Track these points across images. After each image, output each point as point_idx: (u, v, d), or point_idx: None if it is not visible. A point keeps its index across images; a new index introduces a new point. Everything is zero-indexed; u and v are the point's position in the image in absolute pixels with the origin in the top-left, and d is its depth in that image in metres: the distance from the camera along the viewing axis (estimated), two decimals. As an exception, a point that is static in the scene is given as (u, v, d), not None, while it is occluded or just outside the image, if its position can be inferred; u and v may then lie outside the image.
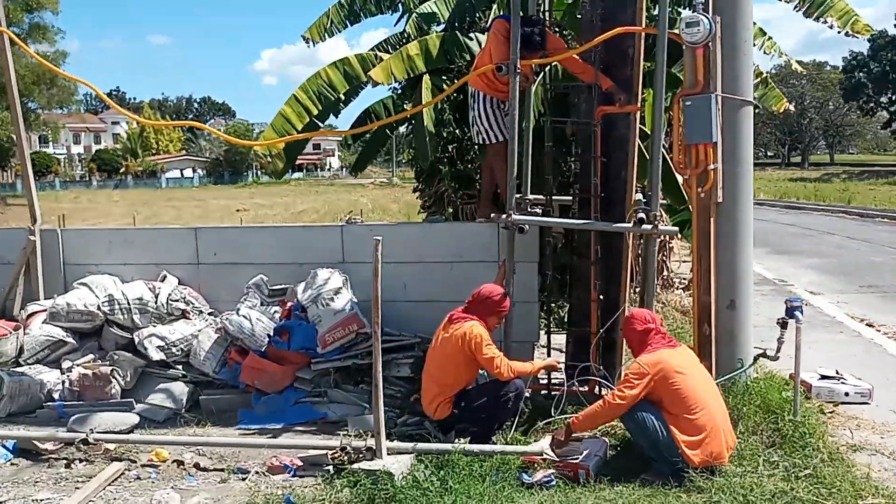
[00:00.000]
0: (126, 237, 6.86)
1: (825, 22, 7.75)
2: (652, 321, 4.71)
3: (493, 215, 6.16)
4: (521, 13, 5.53)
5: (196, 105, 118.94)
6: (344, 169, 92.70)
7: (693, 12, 5.07)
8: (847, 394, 5.86)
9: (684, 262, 11.69)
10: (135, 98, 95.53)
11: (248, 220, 28.77)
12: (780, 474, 4.29)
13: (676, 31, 5.18)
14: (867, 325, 8.65)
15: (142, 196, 52.75)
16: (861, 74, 61.38)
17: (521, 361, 5.13)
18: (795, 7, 7.70)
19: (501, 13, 7.45)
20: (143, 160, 71.15)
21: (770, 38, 8.76)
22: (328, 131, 11.90)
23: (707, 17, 5.03)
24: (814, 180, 51.43)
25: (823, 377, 6.08)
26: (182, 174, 74.67)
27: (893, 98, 60.93)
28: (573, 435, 4.84)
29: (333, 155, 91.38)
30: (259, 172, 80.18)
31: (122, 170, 69.66)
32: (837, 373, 6.18)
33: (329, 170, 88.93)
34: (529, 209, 5.80)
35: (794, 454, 4.55)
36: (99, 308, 6.31)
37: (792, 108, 9.76)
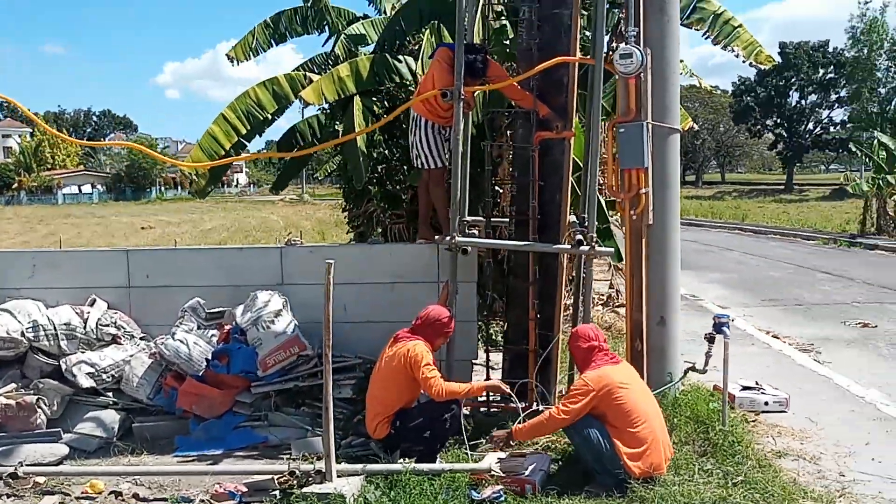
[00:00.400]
0: (51, 260, 6.57)
1: (732, 51, 8.25)
2: (596, 338, 4.91)
3: (436, 237, 6.28)
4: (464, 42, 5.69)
5: (95, 118, 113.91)
6: (252, 185, 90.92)
7: (626, 45, 5.36)
8: (767, 403, 6.25)
9: (598, 280, 12.09)
10: (28, 109, 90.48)
11: (154, 238, 27.86)
12: (716, 482, 4.56)
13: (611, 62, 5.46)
14: (774, 336, 9.21)
15: (37, 213, 50.09)
16: (749, 98, 64.99)
17: (458, 382, 5.22)
18: (705, 35, 8.17)
19: (443, 42, 7.64)
20: (38, 175, 67.50)
21: (681, 59, 9.28)
22: (263, 154, 11.77)
23: (639, 50, 5.34)
24: (708, 198, 53.99)
25: (744, 388, 6.46)
26: (80, 190, 71.33)
27: (778, 121, 64.75)
28: (518, 450, 4.99)
29: (241, 171, 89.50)
30: (163, 189, 77.63)
31: (15, 185, 65.91)
32: (756, 384, 6.57)
33: (236, 186, 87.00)
34: (468, 231, 5.95)
35: (726, 462, 4.83)
36: (22, 334, 6.02)
37: (696, 126, 10.34)
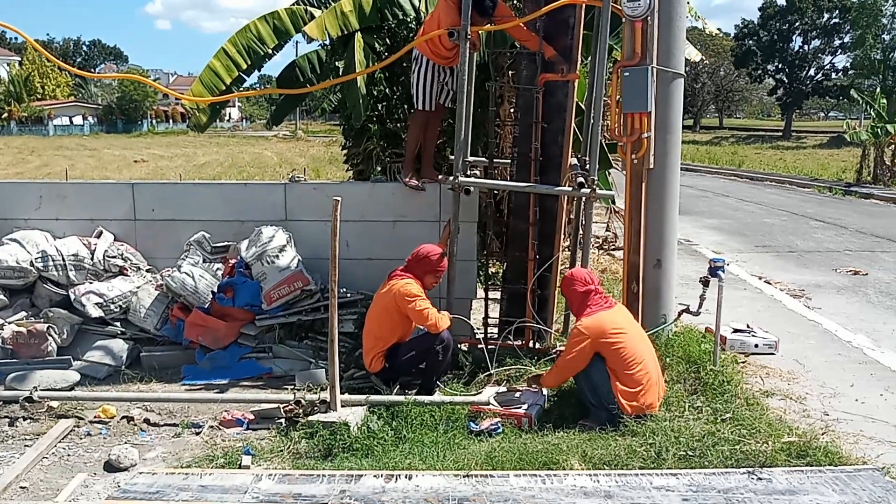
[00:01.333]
0: (58, 191, 6.62)
1: None
2: (592, 282, 5.02)
3: (440, 177, 6.34)
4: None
5: (85, 48, 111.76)
6: (244, 120, 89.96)
7: (634, -13, 5.34)
8: (757, 345, 6.44)
9: (594, 223, 12.21)
10: (15, 38, 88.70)
11: (147, 172, 27.74)
12: (705, 418, 4.74)
13: (618, 4, 5.45)
14: (766, 282, 9.39)
15: (28, 144, 49.53)
16: (751, 42, 64.10)
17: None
18: None
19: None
20: (28, 105, 66.41)
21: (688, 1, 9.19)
22: (266, 90, 11.71)
23: (647, -7, 5.31)
24: (705, 143, 53.82)
25: (735, 330, 6.64)
26: (71, 121, 70.31)
27: (779, 66, 64.02)
28: (512, 387, 5.23)
29: (234, 105, 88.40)
30: (154, 122, 76.71)
31: (5, 115, 64.89)
32: (748, 326, 6.75)
33: (229, 120, 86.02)
34: (470, 171, 6.02)
35: (716, 400, 5.01)
36: (32, 264, 6.13)
37: (705, 59, 10.25)
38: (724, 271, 5.50)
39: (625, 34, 5.62)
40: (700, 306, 5.73)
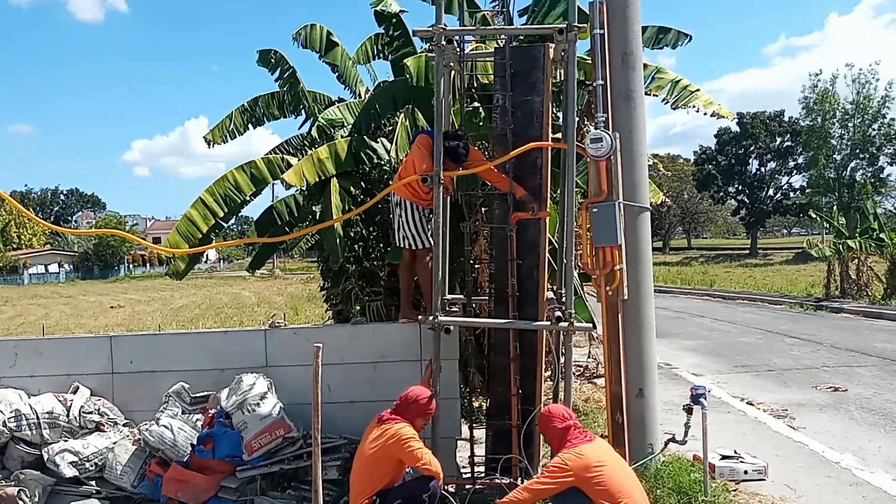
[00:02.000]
0: (34, 347, 6.56)
1: (694, 107, 8.42)
2: (570, 417, 4.98)
3: (419, 317, 6.41)
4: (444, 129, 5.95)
5: (62, 197, 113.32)
6: (222, 260, 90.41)
7: (596, 129, 5.66)
8: (746, 472, 6.35)
9: (575, 348, 12.23)
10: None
11: (124, 318, 27.54)
12: (703, 553, 4.64)
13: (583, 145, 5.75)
14: (748, 403, 9.37)
15: (2, 293, 49.27)
16: (710, 167, 66.94)
17: None
18: (664, 100, 8.48)
19: (421, 128, 7.94)
20: (3, 255, 66.60)
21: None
22: (244, 240, 11.98)
23: (608, 134, 5.63)
24: (675, 264, 55.02)
25: (724, 457, 6.57)
26: (47, 269, 70.39)
27: (740, 188, 66.62)
28: None
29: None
30: (131, 266, 76.91)
31: (-20, 266, 65.02)
32: (735, 452, 6.69)
33: (206, 262, 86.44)
34: (448, 308, 6.11)
35: (711, 532, 4.92)
36: (4, 424, 5.98)
37: (669, 201, 10.64)
38: (706, 398, 5.53)
39: (590, 172, 5.90)
40: (686, 434, 5.71)
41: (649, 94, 8.47)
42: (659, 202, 9.65)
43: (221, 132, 10.48)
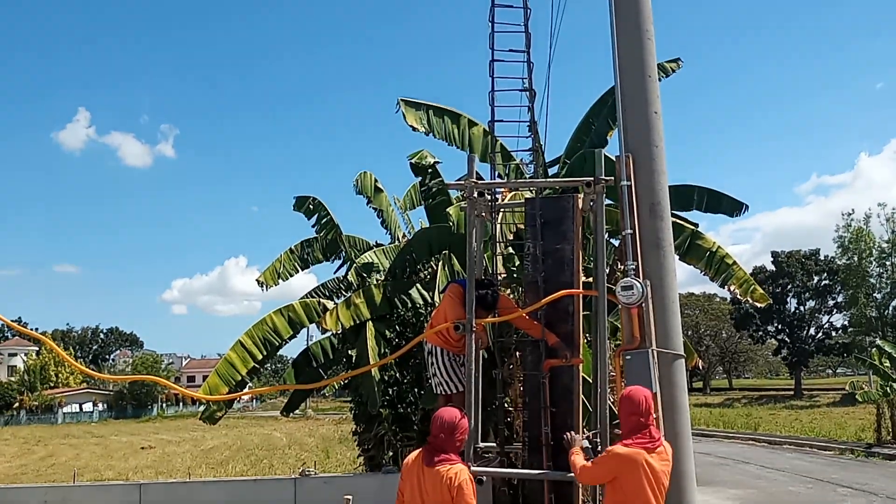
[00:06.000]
0: (64, 495, 6.53)
1: (729, 289, 8.60)
2: (639, 411, 4.77)
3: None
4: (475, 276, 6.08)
5: (102, 335, 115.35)
6: (254, 400, 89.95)
7: (627, 277, 5.74)
8: None
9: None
10: (37, 328, 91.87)
11: (154, 459, 27.27)
12: None
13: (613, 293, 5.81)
14: (801, 561, 8.84)
15: (35, 433, 49.29)
16: (747, 306, 66.19)
17: None
18: (703, 273, 8.58)
19: (454, 277, 8.13)
20: (40, 394, 67.23)
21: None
22: (279, 387, 12.08)
23: (639, 282, 5.69)
24: (717, 405, 53.34)
25: None
26: (81, 408, 70.70)
27: (779, 327, 65.40)
28: None
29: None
30: (164, 405, 76.90)
31: (16, 405, 65.40)
32: None
33: (239, 401, 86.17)
34: (481, 457, 6.00)
35: None
36: (29, 576, 5.87)
37: (702, 363, 10.52)
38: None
39: (623, 320, 5.91)
40: None
41: (688, 264, 8.55)
42: (693, 364, 9.57)
43: (273, 275, 10.85)
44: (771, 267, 64.44)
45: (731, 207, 9.52)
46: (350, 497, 4.59)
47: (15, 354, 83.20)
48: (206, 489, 6.61)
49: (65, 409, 67.91)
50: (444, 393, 6.43)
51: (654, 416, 5.62)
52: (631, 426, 4.84)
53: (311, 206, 10.91)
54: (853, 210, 51.03)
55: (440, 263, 8.69)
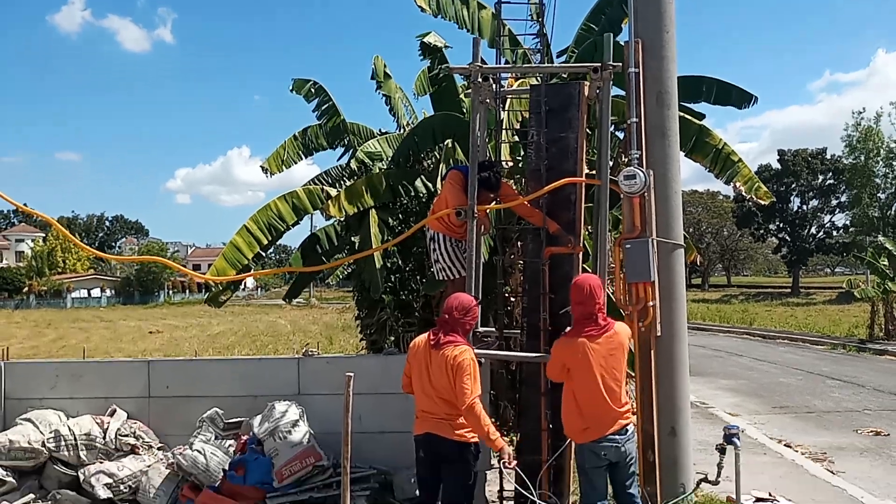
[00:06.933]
0: (74, 370, 6.74)
1: (734, 186, 8.49)
2: (582, 300, 4.82)
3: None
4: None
5: (108, 223, 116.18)
6: (259, 288, 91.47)
7: (630, 166, 5.69)
8: (781, 515, 6.22)
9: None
10: (44, 214, 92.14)
11: (162, 343, 27.98)
12: None
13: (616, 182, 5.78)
14: (786, 445, 9.17)
15: (45, 317, 50.39)
16: (750, 204, 66.06)
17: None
18: (708, 169, 8.46)
19: (455, 164, 8.03)
20: (48, 279, 68.32)
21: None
22: (284, 269, 12.16)
23: (642, 171, 5.66)
24: (715, 301, 54.14)
25: (759, 500, 6.45)
26: (89, 294, 72.01)
27: (781, 226, 65.54)
28: None
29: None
30: (171, 292, 78.23)
31: (25, 290, 66.61)
32: (770, 495, 6.56)
33: (243, 289, 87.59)
34: (481, 341, 6.13)
35: (743, 577, 4.81)
36: (44, 444, 6.13)
37: (700, 258, 10.50)
38: (739, 438, 5.44)
39: (624, 209, 5.91)
40: (718, 475, 5.61)
41: (694, 160, 8.41)
42: (691, 259, 9.58)
43: (277, 161, 10.72)
44: (777, 165, 63.92)
45: (741, 99, 9.29)
46: (352, 374, 4.71)
47: (22, 240, 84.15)
48: (212, 367, 6.80)
49: (73, 295, 69.17)
50: (446, 278, 6.50)
51: (648, 309, 5.73)
52: (577, 315, 4.89)
53: (312, 90, 10.67)
54: (864, 109, 50.09)
55: (443, 153, 8.60)
